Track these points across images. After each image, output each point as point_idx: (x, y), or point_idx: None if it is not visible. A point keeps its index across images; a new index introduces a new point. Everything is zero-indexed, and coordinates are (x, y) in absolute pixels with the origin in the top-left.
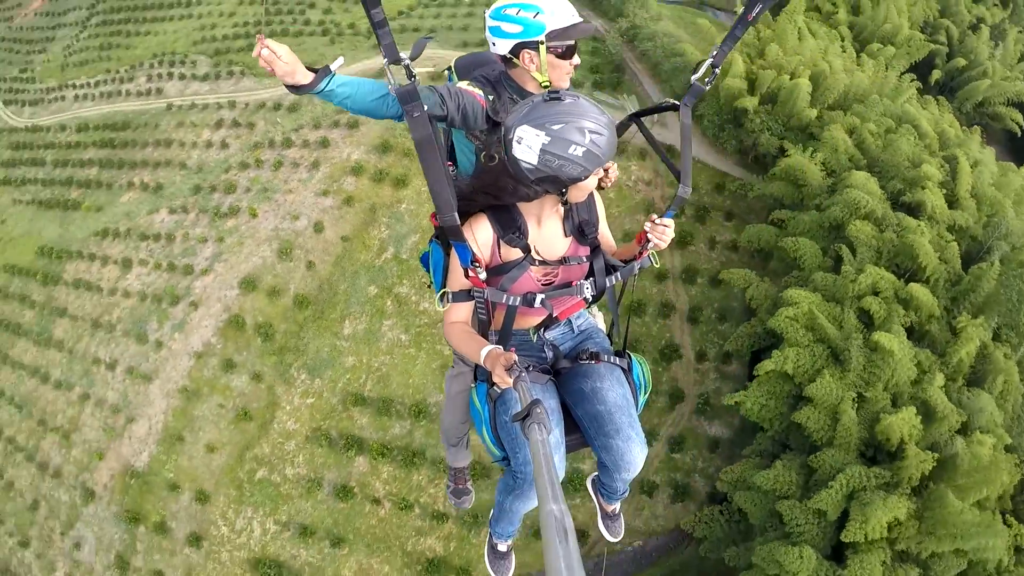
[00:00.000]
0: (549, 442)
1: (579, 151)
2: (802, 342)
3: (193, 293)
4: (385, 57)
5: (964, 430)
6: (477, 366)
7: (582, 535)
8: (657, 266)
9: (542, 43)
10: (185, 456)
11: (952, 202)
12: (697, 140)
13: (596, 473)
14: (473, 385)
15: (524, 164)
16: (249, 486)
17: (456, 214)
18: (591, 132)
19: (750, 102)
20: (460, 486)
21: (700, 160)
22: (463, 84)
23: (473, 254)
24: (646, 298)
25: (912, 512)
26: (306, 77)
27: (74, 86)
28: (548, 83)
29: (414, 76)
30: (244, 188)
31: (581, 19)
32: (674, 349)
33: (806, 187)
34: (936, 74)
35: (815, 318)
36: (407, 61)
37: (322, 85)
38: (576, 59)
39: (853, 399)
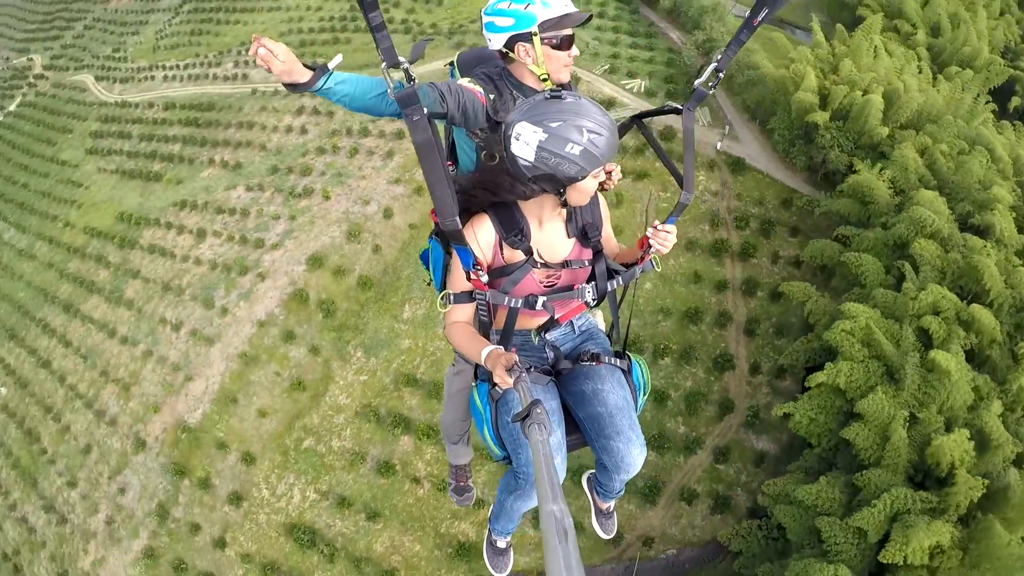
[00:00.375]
0: (550, 443)
1: (576, 150)
2: (857, 357)
3: (262, 265)
4: (384, 60)
5: (1020, 462)
6: (477, 365)
7: (616, 537)
8: (659, 270)
9: (535, 34)
10: (237, 418)
11: (1023, 227)
12: (767, 155)
13: (592, 471)
14: (474, 384)
15: (521, 161)
16: (295, 453)
17: (458, 218)
18: (590, 132)
19: (821, 117)
20: (462, 483)
21: (769, 175)
22: (464, 81)
23: (475, 257)
24: (704, 306)
25: (956, 541)
26: (303, 75)
27: (164, 67)
28: (546, 76)
29: (413, 79)
30: (319, 172)
31: (575, 9)
32: (728, 359)
33: (873, 205)
34: (1015, 101)
35: (872, 333)
36: (406, 65)
37: (320, 83)
38: (574, 50)
39: (905, 419)
